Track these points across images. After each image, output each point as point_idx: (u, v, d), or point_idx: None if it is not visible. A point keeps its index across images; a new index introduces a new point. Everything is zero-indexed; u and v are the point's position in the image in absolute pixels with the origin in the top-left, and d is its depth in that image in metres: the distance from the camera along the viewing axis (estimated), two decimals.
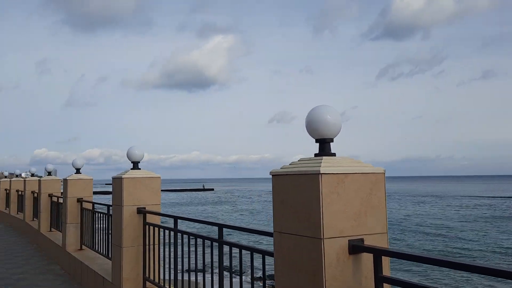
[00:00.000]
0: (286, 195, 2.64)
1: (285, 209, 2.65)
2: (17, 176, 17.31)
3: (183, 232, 4.48)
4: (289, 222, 2.62)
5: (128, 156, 5.65)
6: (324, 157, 2.56)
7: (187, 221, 4.79)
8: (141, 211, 5.45)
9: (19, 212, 16.03)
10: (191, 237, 4.41)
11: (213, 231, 3.99)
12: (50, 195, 10.92)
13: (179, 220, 4.76)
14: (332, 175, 2.45)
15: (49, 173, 11.14)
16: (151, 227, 5.31)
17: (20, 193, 15.98)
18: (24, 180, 14.07)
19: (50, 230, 10.78)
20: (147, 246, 5.36)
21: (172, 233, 4.77)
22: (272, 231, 2.81)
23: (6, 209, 18.33)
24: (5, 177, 19.71)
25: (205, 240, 4.02)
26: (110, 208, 6.75)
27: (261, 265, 3.10)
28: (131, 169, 5.64)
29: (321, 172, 2.41)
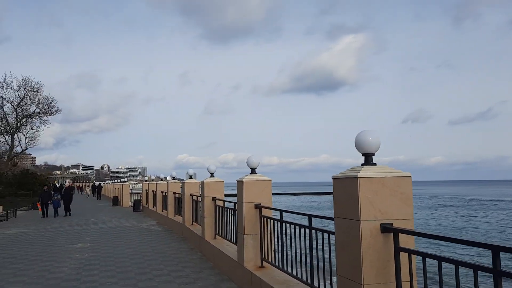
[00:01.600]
0: None
1: None
2: (173, 178, 17.19)
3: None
4: None
5: (357, 145, 3.81)
6: None
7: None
8: (388, 229, 3.55)
9: (176, 215, 15.72)
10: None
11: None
12: (214, 199, 9.88)
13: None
14: None
15: (212, 174, 10.10)
16: (409, 255, 3.37)
17: (177, 195, 15.67)
18: (183, 183, 13.51)
19: (215, 238, 9.70)
20: (401, 283, 3.44)
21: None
22: None
23: (163, 211, 18.44)
24: (161, 180, 20.05)
25: None
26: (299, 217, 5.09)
27: None
28: (363, 164, 3.78)
29: None
